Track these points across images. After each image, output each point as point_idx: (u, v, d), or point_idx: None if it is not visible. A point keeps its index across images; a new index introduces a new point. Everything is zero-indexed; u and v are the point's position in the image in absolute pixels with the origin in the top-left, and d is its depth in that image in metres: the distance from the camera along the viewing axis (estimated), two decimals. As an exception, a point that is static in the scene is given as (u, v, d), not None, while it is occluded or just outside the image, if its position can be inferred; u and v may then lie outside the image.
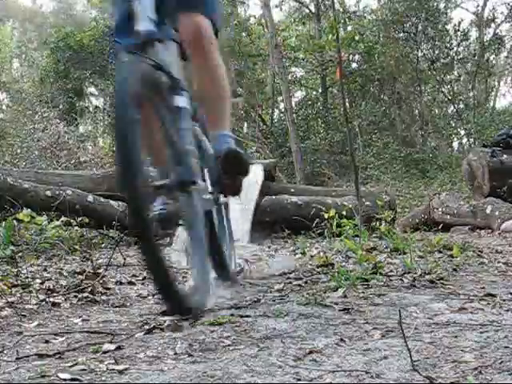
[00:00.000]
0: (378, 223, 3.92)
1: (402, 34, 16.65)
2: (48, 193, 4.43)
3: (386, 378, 1.16)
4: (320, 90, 18.69)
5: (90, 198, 4.54)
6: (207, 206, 2.14)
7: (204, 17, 2.10)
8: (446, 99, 17.07)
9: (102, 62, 17.42)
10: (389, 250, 3.30)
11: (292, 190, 5.41)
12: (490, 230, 5.45)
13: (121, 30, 2.12)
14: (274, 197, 4.92)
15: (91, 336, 1.59)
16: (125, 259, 3.12)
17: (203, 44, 2.09)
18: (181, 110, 1.97)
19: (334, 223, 3.56)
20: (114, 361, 1.32)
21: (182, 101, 1.97)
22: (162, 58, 1.86)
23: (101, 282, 2.40)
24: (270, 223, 4.76)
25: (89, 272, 2.58)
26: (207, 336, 1.52)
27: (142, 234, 1.64)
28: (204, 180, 2.15)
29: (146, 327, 1.65)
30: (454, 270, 2.63)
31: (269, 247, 4.01)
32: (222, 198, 2.38)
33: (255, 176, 4.77)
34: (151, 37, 1.82)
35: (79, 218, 4.16)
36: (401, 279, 2.37)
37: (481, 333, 1.47)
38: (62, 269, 2.88)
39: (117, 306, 2.06)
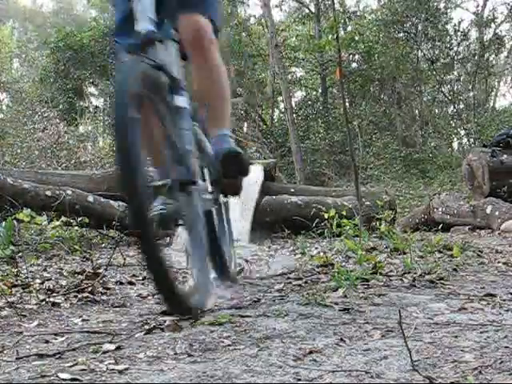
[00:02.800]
0: (377, 223, 3.92)
1: (401, 34, 16.65)
2: (48, 193, 4.42)
3: (386, 378, 1.16)
4: (320, 90, 18.69)
5: (90, 198, 4.54)
6: (207, 205, 2.14)
7: (204, 17, 2.09)
8: (446, 99, 17.08)
9: (102, 61, 17.42)
10: (389, 250, 3.30)
11: (292, 190, 5.41)
12: (489, 230, 5.45)
13: (121, 30, 2.11)
14: (273, 197, 4.92)
15: (91, 336, 1.59)
16: (125, 259, 3.12)
17: (203, 44, 2.08)
18: (181, 110, 1.97)
19: (334, 223, 3.56)
20: (114, 361, 1.32)
21: (181, 101, 1.98)
22: (162, 58, 1.86)
23: (101, 282, 2.40)
24: (270, 223, 4.76)
25: (89, 272, 2.58)
26: (207, 336, 1.52)
27: (142, 233, 1.63)
28: (204, 180, 2.16)
29: (146, 327, 1.65)
30: (454, 269, 2.63)
31: (269, 247, 4.02)
32: (221, 198, 2.38)
33: (255, 176, 4.77)
34: (151, 37, 1.82)
35: (79, 218, 4.16)
36: (401, 279, 2.37)
37: (481, 333, 1.47)
38: (62, 269, 2.88)
39: (117, 306, 2.05)
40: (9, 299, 2.02)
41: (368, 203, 5.03)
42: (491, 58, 18.09)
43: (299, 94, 20.56)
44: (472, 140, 15.50)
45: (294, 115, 16.62)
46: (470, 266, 2.81)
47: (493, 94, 19.92)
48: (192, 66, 2.14)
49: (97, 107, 19.66)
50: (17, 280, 2.40)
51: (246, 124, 18.52)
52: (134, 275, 2.76)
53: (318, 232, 4.20)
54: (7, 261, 2.98)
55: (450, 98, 16.73)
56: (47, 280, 2.48)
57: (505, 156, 6.72)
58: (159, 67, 1.84)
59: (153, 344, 1.47)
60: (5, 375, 1.23)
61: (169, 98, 1.92)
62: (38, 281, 2.43)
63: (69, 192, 4.47)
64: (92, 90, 20.39)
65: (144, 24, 1.81)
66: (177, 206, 1.92)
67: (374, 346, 1.39)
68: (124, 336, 1.56)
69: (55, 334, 1.61)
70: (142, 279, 2.66)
